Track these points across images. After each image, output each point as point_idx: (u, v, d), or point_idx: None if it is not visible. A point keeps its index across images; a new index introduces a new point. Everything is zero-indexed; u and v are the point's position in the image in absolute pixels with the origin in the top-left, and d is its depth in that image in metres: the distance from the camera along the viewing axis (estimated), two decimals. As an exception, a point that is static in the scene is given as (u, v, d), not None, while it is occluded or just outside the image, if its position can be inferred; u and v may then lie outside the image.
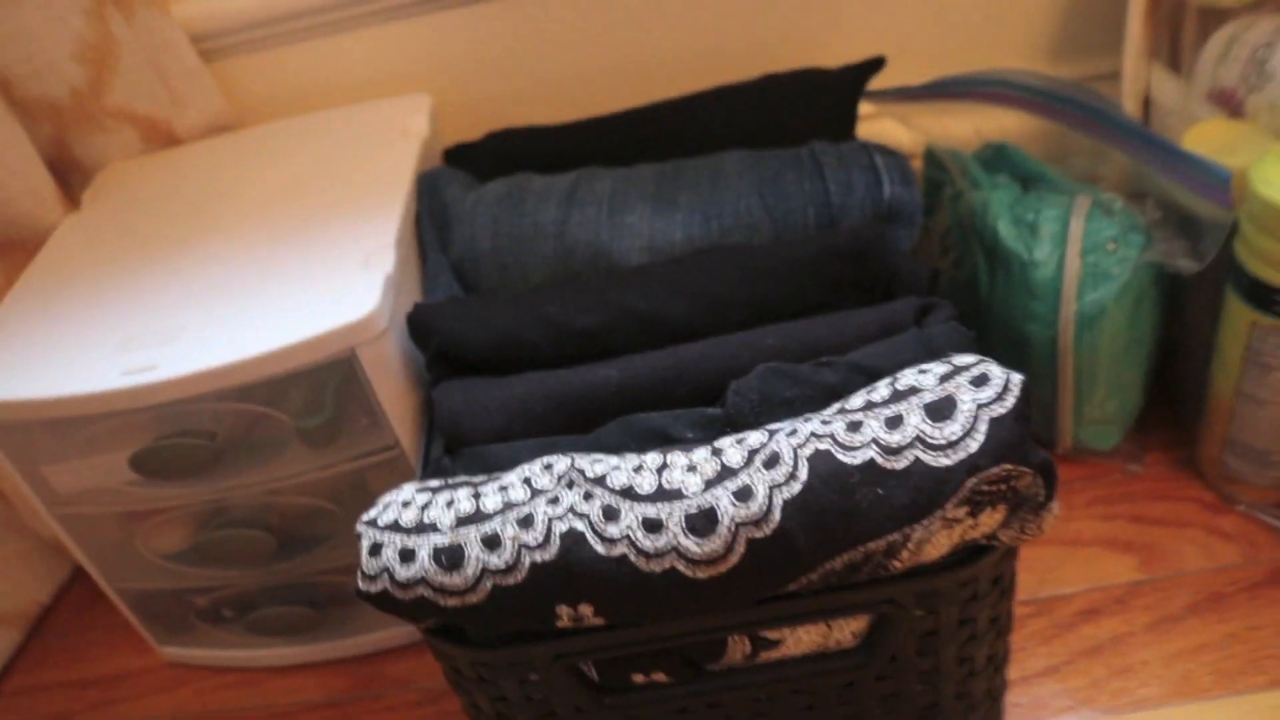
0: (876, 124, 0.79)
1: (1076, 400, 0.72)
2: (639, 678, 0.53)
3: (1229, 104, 0.67)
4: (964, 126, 0.75)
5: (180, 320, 0.62)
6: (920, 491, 0.46)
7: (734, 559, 0.46)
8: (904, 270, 0.60)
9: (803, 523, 0.46)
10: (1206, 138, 0.66)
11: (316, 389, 0.63)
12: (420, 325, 0.61)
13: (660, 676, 0.53)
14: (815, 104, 0.71)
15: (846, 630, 0.52)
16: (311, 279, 0.62)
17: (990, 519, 0.47)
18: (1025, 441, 0.46)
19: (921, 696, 0.56)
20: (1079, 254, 0.67)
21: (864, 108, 0.78)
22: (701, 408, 0.54)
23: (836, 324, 0.56)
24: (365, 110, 0.75)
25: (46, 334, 0.64)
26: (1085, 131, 0.68)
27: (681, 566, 0.46)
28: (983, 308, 0.73)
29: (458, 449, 0.57)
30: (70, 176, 0.79)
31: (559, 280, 0.64)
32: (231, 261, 0.66)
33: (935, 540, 0.47)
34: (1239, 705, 0.62)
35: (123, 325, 0.63)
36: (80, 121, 0.74)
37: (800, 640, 0.52)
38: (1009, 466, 0.46)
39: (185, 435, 0.62)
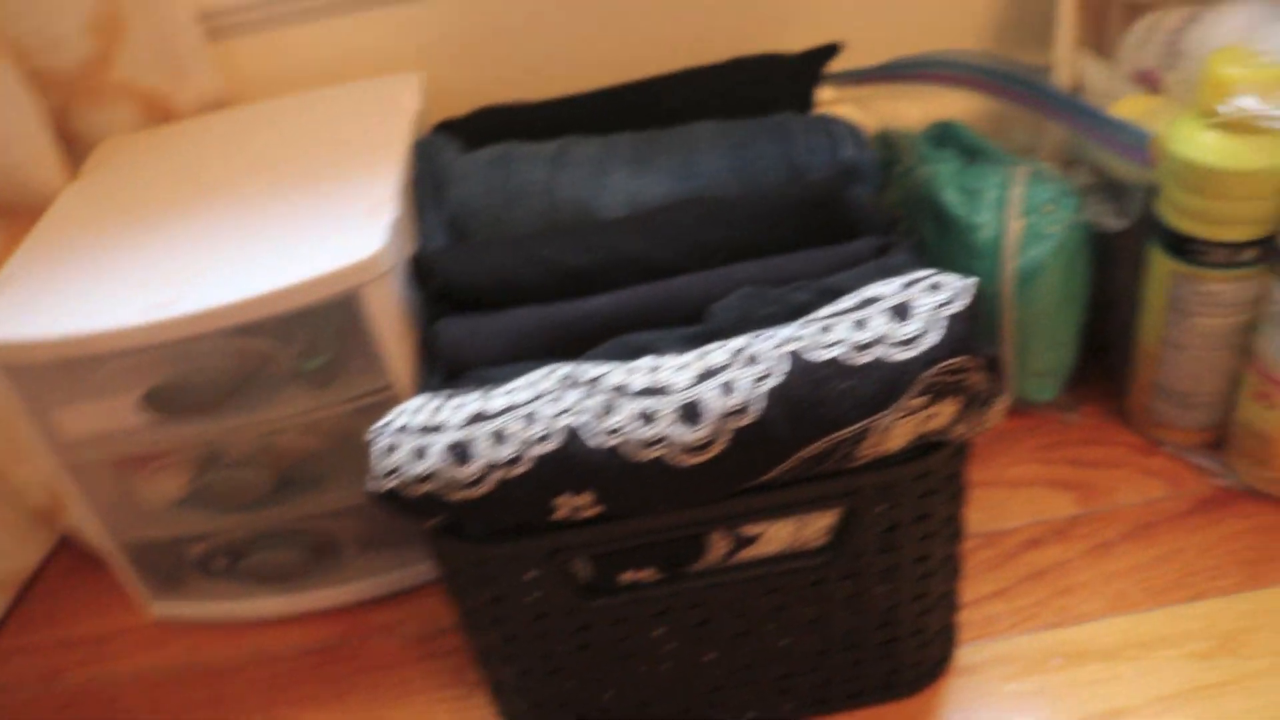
0: (837, 109, 0.85)
1: (1018, 354, 0.78)
2: (628, 575, 0.58)
3: (1149, 82, 0.74)
4: (914, 109, 0.81)
5: (194, 263, 0.66)
6: (884, 383, 0.52)
7: (720, 446, 0.51)
8: (865, 218, 0.66)
9: (781, 413, 0.51)
10: (1129, 111, 0.73)
11: (318, 331, 0.67)
12: (423, 266, 0.65)
13: (647, 575, 0.58)
14: (777, 85, 0.77)
15: (816, 527, 0.57)
16: (318, 227, 0.67)
17: (945, 410, 0.53)
18: (975, 337, 0.52)
19: (883, 598, 0.61)
20: (1019, 215, 0.74)
21: (826, 94, 0.85)
22: (687, 326, 0.59)
23: (805, 259, 0.62)
24: (359, 88, 0.80)
25: (63, 280, 0.68)
26: (1024, 105, 0.75)
27: (673, 454, 0.52)
28: (931, 269, 0.79)
29: (459, 375, 0.62)
30: (69, 149, 0.82)
31: (551, 229, 0.69)
32: (238, 216, 0.70)
33: (897, 429, 0.53)
34: (1166, 615, 0.69)
35: (137, 269, 0.67)
36: (86, 94, 0.79)
37: (775, 537, 0.57)
38: (962, 359, 0.52)
39: (197, 372, 0.66)
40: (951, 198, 0.76)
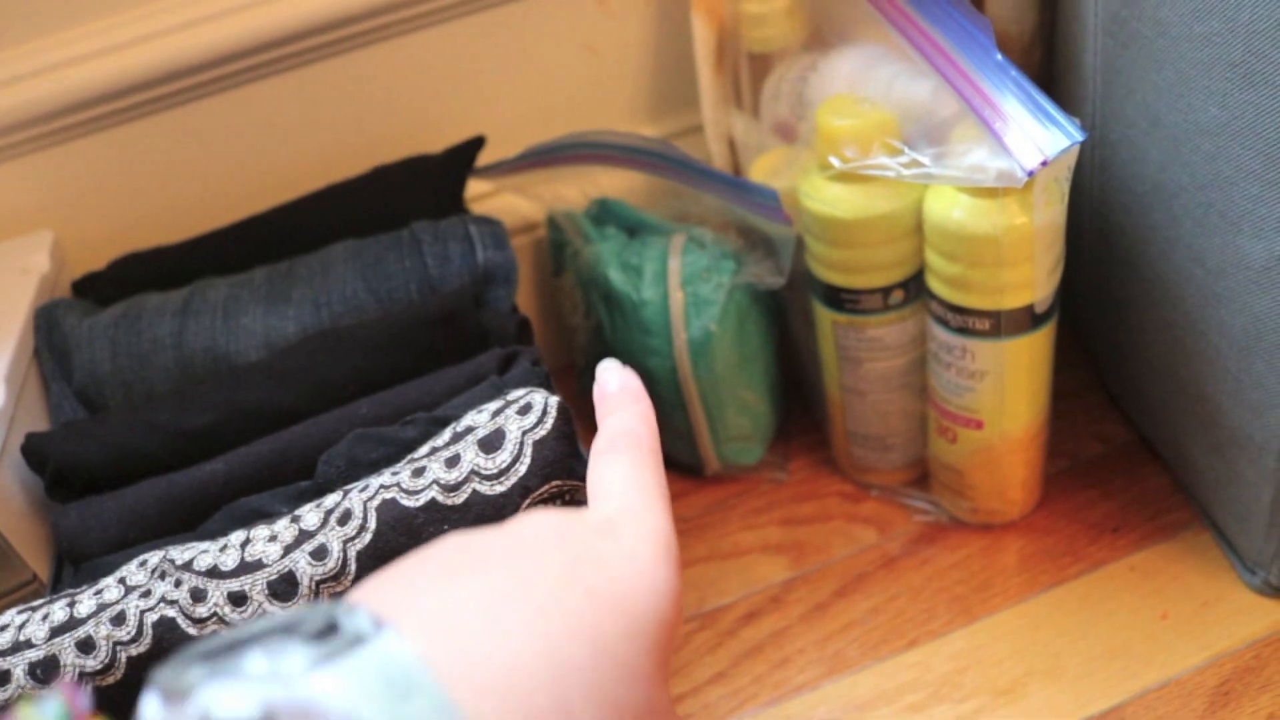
0: (498, 200, 0.84)
1: (710, 423, 0.77)
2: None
3: (787, 133, 0.74)
4: (572, 189, 0.80)
5: None
6: (482, 520, 0.49)
7: (318, 616, 0.48)
8: (495, 326, 0.64)
9: (376, 570, 0.49)
10: (769, 165, 0.73)
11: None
12: (33, 453, 0.61)
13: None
14: (423, 188, 0.75)
15: (465, 668, 0.55)
16: (-82, 427, 0.62)
17: (559, 535, 0.51)
18: (571, 457, 0.50)
19: None
20: (679, 286, 0.73)
21: (483, 186, 0.83)
22: (298, 482, 0.56)
23: (426, 384, 0.60)
24: (-20, 256, 0.76)
25: None
26: (665, 175, 0.74)
27: (269, 633, 0.48)
28: (611, 351, 0.77)
29: (82, 567, 0.58)
30: None
31: (178, 388, 0.65)
32: None
33: (510, 564, 0.50)
34: (882, 670, 0.68)
35: None
36: None
37: (422, 686, 0.54)
38: (558, 483, 0.50)
39: None
40: (616, 276, 0.75)
